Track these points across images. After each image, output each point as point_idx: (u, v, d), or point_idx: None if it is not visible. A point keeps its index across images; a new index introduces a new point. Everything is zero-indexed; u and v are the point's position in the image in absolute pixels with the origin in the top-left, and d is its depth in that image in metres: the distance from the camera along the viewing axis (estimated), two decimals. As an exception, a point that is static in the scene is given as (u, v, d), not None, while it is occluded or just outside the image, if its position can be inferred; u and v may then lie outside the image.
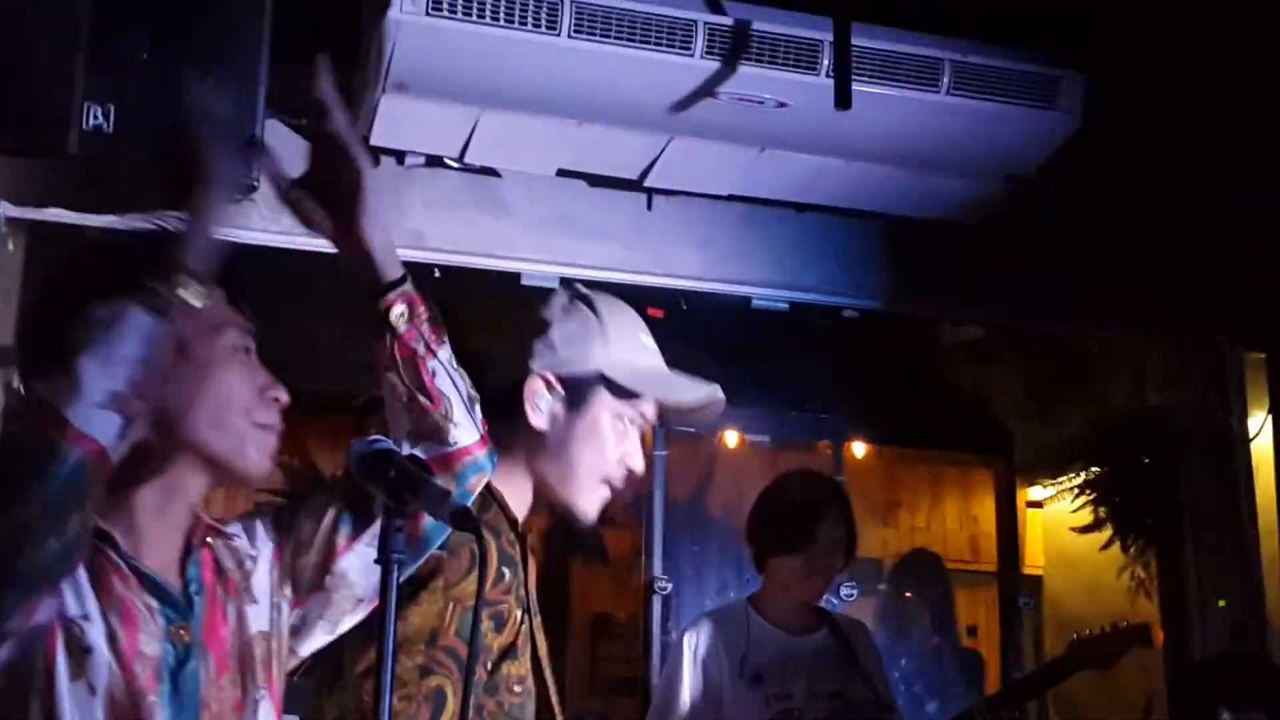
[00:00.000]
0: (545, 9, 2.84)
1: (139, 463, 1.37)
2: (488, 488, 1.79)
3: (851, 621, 3.30)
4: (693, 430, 4.31)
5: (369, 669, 1.53)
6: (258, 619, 1.48)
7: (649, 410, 1.86)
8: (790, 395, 4.34)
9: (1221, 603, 3.88)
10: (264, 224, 2.99)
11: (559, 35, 2.87)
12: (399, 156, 3.39)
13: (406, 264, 3.49)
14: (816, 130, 3.19)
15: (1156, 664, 4.26)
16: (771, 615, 3.09)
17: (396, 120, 3.11)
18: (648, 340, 1.91)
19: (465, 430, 1.55)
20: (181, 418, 1.40)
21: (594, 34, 2.90)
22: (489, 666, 1.67)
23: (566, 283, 2.01)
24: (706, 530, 4.40)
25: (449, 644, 1.63)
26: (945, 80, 3.11)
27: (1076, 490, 4.77)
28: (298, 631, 1.53)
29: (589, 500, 1.84)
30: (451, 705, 1.62)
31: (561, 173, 3.50)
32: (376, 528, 1.49)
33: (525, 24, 2.85)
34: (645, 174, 3.45)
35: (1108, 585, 4.59)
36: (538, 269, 3.54)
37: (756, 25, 2.98)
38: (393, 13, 2.77)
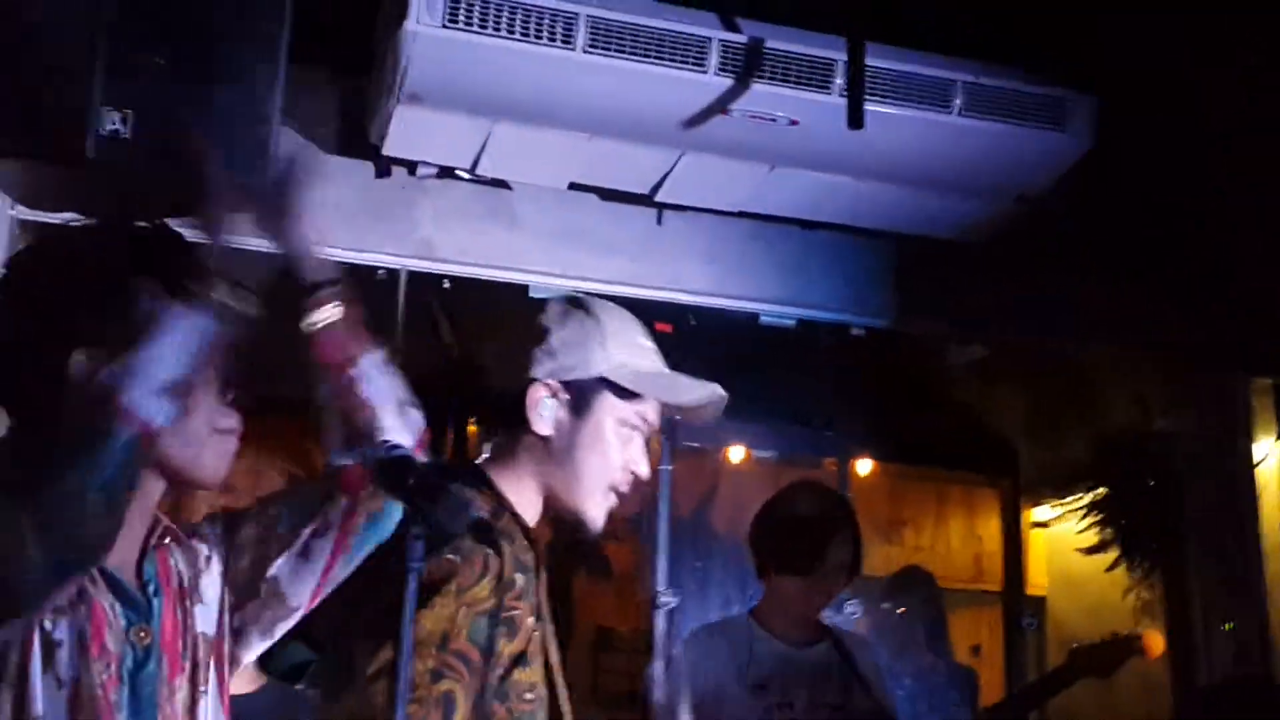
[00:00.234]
0: (561, 23, 2.86)
1: None
2: (498, 496, 1.80)
3: (854, 635, 3.30)
4: (698, 445, 4.31)
5: (379, 672, 1.54)
6: (205, 621, 1.50)
7: (651, 414, 1.86)
8: (796, 411, 4.34)
9: (1228, 625, 3.88)
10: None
11: (574, 50, 2.89)
12: (411, 167, 3.42)
13: (416, 274, 3.55)
14: (827, 149, 3.20)
15: (1159, 683, 4.25)
16: (773, 627, 3.09)
17: (410, 131, 3.13)
18: (646, 342, 1.91)
19: (396, 435, 1.54)
20: None
21: (609, 49, 2.92)
22: (500, 673, 1.67)
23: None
24: (711, 545, 4.40)
25: (460, 648, 1.63)
26: (957, 101, 3.13)
27: (1082, 511, 4.76)
28: (238, 636, 1.55)
29: (596, 507, 1.83)
30: (462, 709, 1.62)
31: (573, 186, 3.52)
32: (305, 535, 1.52)
33: (540, 38, 2.87)
34: (656, 189, 3.46)
35: (1112, 606, 4.58)
36: (547, 281, 3.56)
37: (770, 43, 3.00)
38: (409, 24, 2.79)
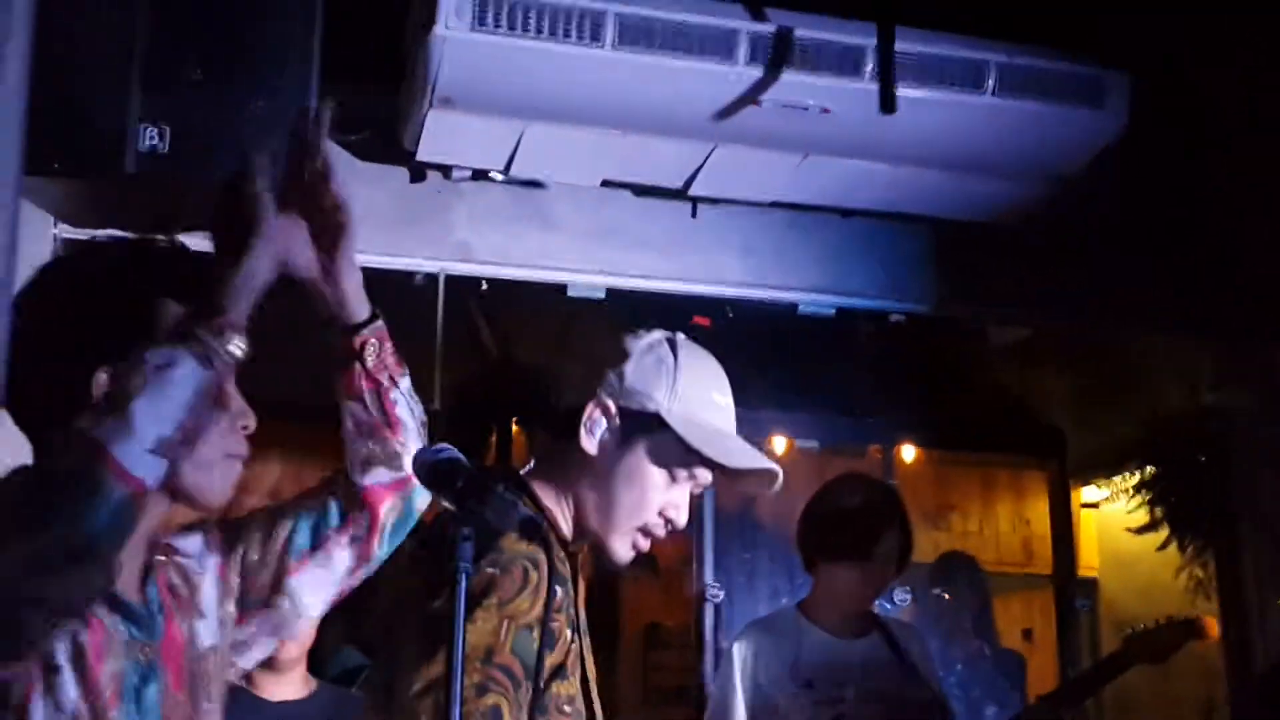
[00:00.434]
0: (589, 21, 2.87)
1: None
2: (539, 506, 1.79)
3: (902, 624, 3.29)
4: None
5: (426, 688, 1.53)
6: (207, 634, 1.50)
7: (702, 473, 1.82)
8: (838, 400, 4.32)
9: (1282, 602, 3.82)
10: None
11: (603, 47, 2.89)
12: (445, 171, 3.43)
13: (454, 277, 3.56)
14: (860, 135, 3.19)
15: (1215, 666, 4.20)
16: (822, 620, 3.07)
17: (443, 135, 3.14)
18: (721, 400, 1.86)
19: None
20: None
21: (637, 45, 2.92)
22: (541, 685, 1.67)
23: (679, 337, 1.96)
24: (757, 537, 4.39)
25: (504, 661, 1.61)
26: (990, 82, 3.11)
27: (1131, 491, 4.71)
28: (240, 647, 1.55)
29: (621, 542, 1.80)
30: None
31: (606, 183, 3.52)
32: (329, 549, 1.53)
33: (569, 37, 2.87)
34: (689, 183, 3.46)
35: (1165, 586, 4.53)
36: (583, 280, 3.56)
37: (799, 32, 2.99)
38: (438, 29, 2.80)
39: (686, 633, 4.77)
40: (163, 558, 1.51)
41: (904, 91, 2.97)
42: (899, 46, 2.96)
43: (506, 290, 3.61)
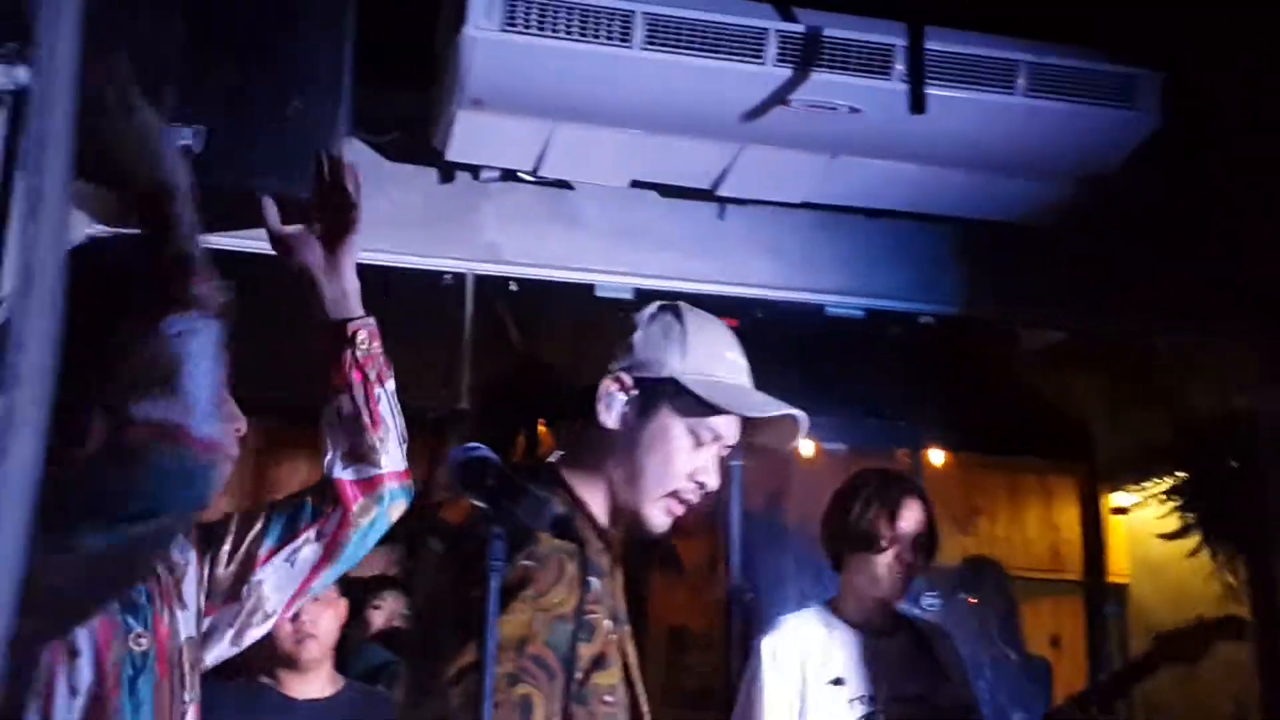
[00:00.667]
0: (618, 22, 2.88)
1: None
2: (574, 497, 1.80)
3: (931, 625, 3.26)
4: (768, 445, 4.28)
5: (459, 675, 1.54)
6: (187, 625, 1.54)
7: (725, 430, 1.82)
8: (866, 403, 4.31)
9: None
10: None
11: (631, 47, 2.90)
12: (474, 171, 3.44)
13: (482, 277, 3.57)
14: (889, 135, 3.18)
15: (1245, 668, 4.16)
16: (851, 617, 3.06)
17: (472, 136, 3.16)
18: (733, 357, 1.87)
19: (393, 459, 1.64)
20: None
21: (666, 45, 2.92)
22: (580, 677, 1.67)
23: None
24: (784, 539, 4.38)
25: (537, 653, 1.62)
26: (1020, 81, 3.09)
27: (1162, 496, 4.67)
28: (206, 639, 1.58)
29: (654, 509, 1.80)
30: (539, 714, 1.62)
31: (634, 184, 3.53)
32: (297, 543, 1.57)
33: (598, 37, 2.88)
34: (717, 183, 3.46)
35: (1196, 592, 4.48)
36: (611, 280, 3.57)
37: (828, 31, 2.99)
38: (468, 29, 2.82)
39: (712, 635, 4.76)
40: None
41: (933, 91, 2.96)
42: (928, 46, 2.95)
43: (535, 290, 3.62)
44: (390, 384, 1.63)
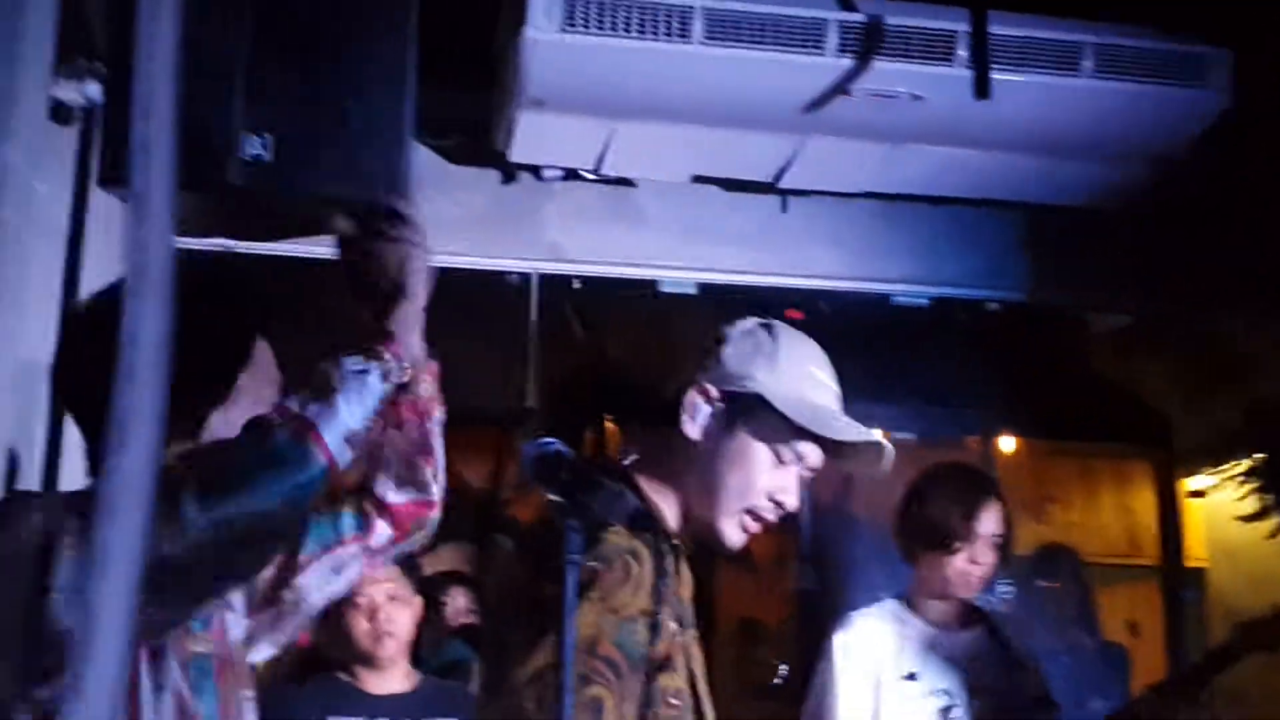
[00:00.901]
0: (677, 18, 2.87)
1: None
2: (644, 500, 1.80)
3: (1007, 616, 3.23)
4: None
5: (535, 676, 1.55)
6: (236, 626, 1.57)
7: (809, 451, 1.79)
8: (935, 391, 4.26)
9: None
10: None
11: (691, 43, 2.90)
12: (536, 172, 3.47)
13: (547, 276, 3.60)
14: (953, 122, 3.15)
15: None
16: (924, 612, 3.03)
17: (534, 136, 3.18)
18: (824, 378, 1.84)
19: (439, 487, 1.68)
20: None
21: (725, 39, 2.92)
22: (646, 678, 1.67)
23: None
24: (854, 531, 4.36)
25: (606, 653, 1.62)
26: (1086, 63, 3.05)
27: (1239, 478, 4.58)
28: (248, 641, 1.61)
29: (730, 525, 1.78)
30: (610, 715, 1.62)
31: (696, 179, 3.53)
32: (342, 554, 1.60)
33: (657, 34, 2.88)
34: (779, 176, 3.45)
35: (1275, 576, 4.39)
36: (675, 276, 3.57)
37: (889, 19, 2.97)
38: (528, 30, 2.83)
39: (782, 628, 4.75)
40: None
41: (998, 76, 2.92)
42: (991, 30, 2.92)
43: (599, 288, 3.63)
44: (440, 415, 1.68)
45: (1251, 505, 4.54)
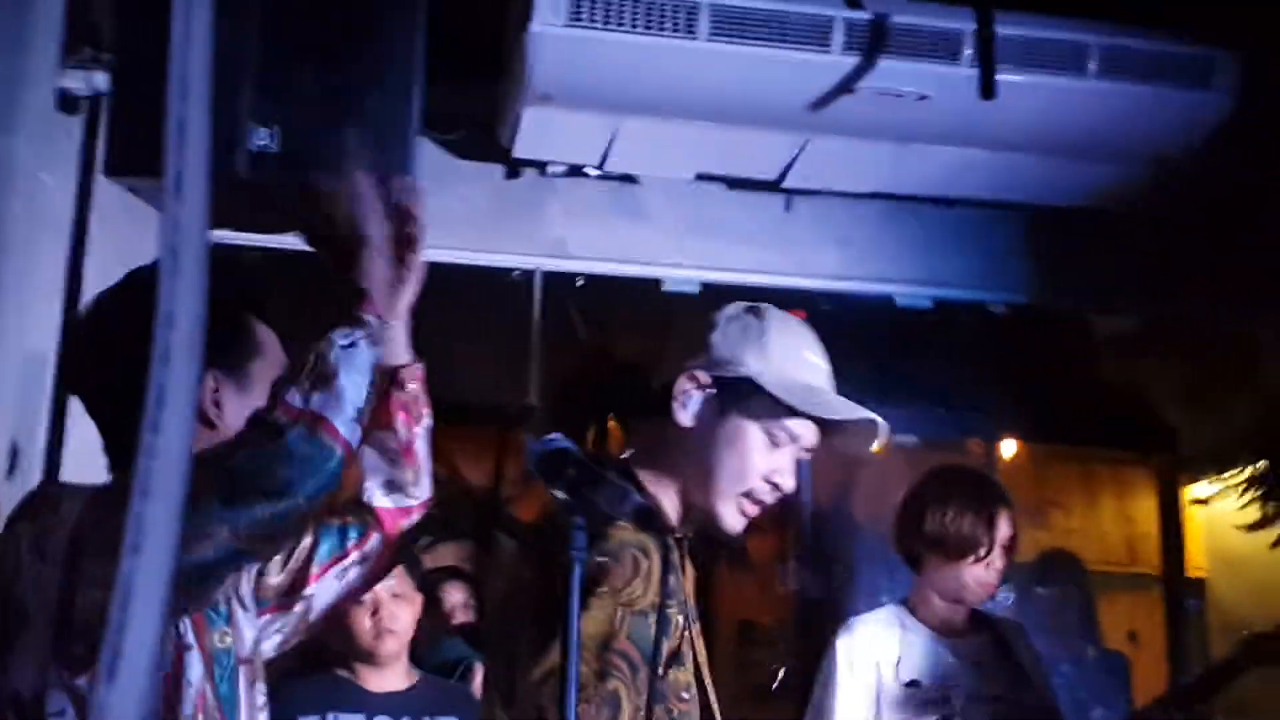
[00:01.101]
0: (683, 13, 2.87)
1: None
2: (645, 495, 1.80)
3: (1010, 623, 3.21)
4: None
5: (547, 674, 1.54)
6: (249, 626, 1.59)
7: (804, 433, 1.80)
8: (937, 394, 4.26)
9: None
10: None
11: (697, 39, 2.90)
12: (541, 167, 3.46)
13: (550, 273, 3.60)
14: (959, 122, 3.15)
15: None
16: (926, 618, 3.01)
17: (539, 131, 3.18)
18: (813, 359, 1.85)
19: (423, 489, 1.70)
20: None
21: (731, 36, 2.92)
22: (659, 673, 1.67)
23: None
24: (854, 533, 4.35)
25: (622, 648, 1.62)
26: (1092, 64, 3.05)
27: (1242, 486, 4.57)
28: (256, 643, 1.62)
29: (729, 509, 1.79)
30: (627, 708, 1.61)
31: (700, 177, 3.53)
32: (346, 563, 1.63)
33: (663, 29, 2.88)
34: (784, 175, 3.45)
35: (1278, 587, 4.38)
36: (678, 274, 3.57)
37: (895, 18, 2.97)
38: (535, 26, 2.83)
39: (781, 630, 4.74)
40: None
41: (1004, 76, 2.92)
42: (998, 30, 2.92)
43: (602, 285, 3.63)
44: (427, 420, 1.69)
45: (1254, 514, 4.53)
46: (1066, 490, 5.52)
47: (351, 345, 1.44)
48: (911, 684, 2.92)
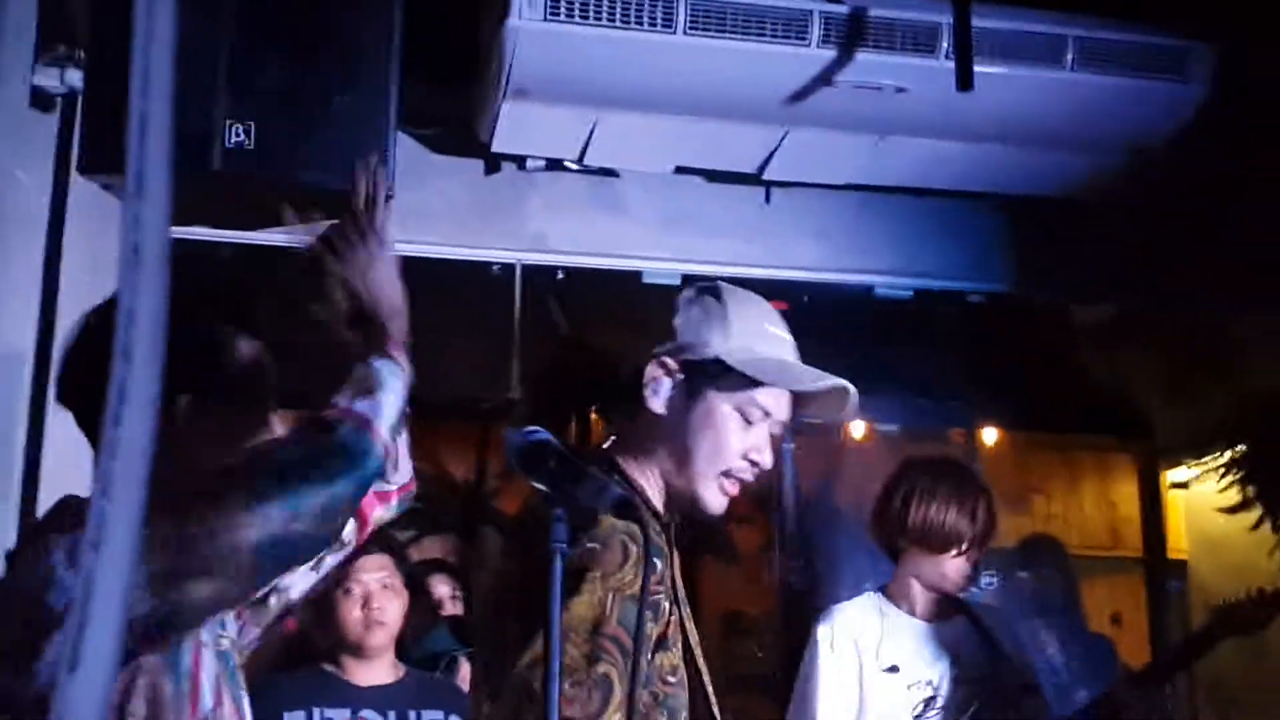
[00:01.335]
0: (660, 7, 2.88)
1: None
2: (629, 483, 1.81)
3: (988, 608, 3.24)
4: (819, 422, 4.28)
5: (535, 660, 1.56)
6: (232, 624, 1.63)
7: (775, 404, 1.81)
8: (918, 383, 4.27)
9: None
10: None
11: (675, 33, 2.90)
12: (520, 162, 3.46)
13: (530, 267, 3.60)
14: (936, 114, 3.16)
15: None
16: (906, 604, 3.03)
17: (517, 126, 3.17)
18: (776, 331, 1.87)
19: (402, 474, 1.77)
20: None
21: (709, 29, 2.92)
22: (646, 657, 1.68)
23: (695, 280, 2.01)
24: (838, 523, 4.37)
25: (612, 632, 1.62)
26: (1069, 56, 3.06)
27: (1221, 470, 4.61)
28: (238, 639, 1.67)
29: (709, 490, 1.80)
30: (618, 692, 1.63)
31: (679, 170, 3.53)
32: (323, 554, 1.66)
33: (641, 24, 2.88)
34: (763, 167, 3.45)
35: (1257, 568, 4.41)
36: (658, 267, 3.57)
37: (873, 11, 2.97)
38: (512, 20, 2.83)
39: (766, 620, 4.76)
40: None
41: (981, 68, 2.93)
42: (975, 23, 2.92)
43: (582, 279, 3.63)
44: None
45: (1233, 497, 4.57)
46: (1048, 476, 5.56)
47: (389, 373, 1.56)
48: (891, 669, 2.94)
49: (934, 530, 2.94)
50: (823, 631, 3.03)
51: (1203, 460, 4.78)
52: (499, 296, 3.55)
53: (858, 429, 4.38)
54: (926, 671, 2.94)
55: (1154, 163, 3.41)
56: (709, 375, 1.80)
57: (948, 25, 2.94)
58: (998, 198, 3.63)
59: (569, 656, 1.49)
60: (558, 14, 2.84)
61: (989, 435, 4.58)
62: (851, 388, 1.82)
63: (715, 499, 1.81)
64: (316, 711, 2.78)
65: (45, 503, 2.08)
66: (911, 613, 3.01)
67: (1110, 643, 4.61)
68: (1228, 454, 4.59)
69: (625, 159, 3.46)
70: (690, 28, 2.91)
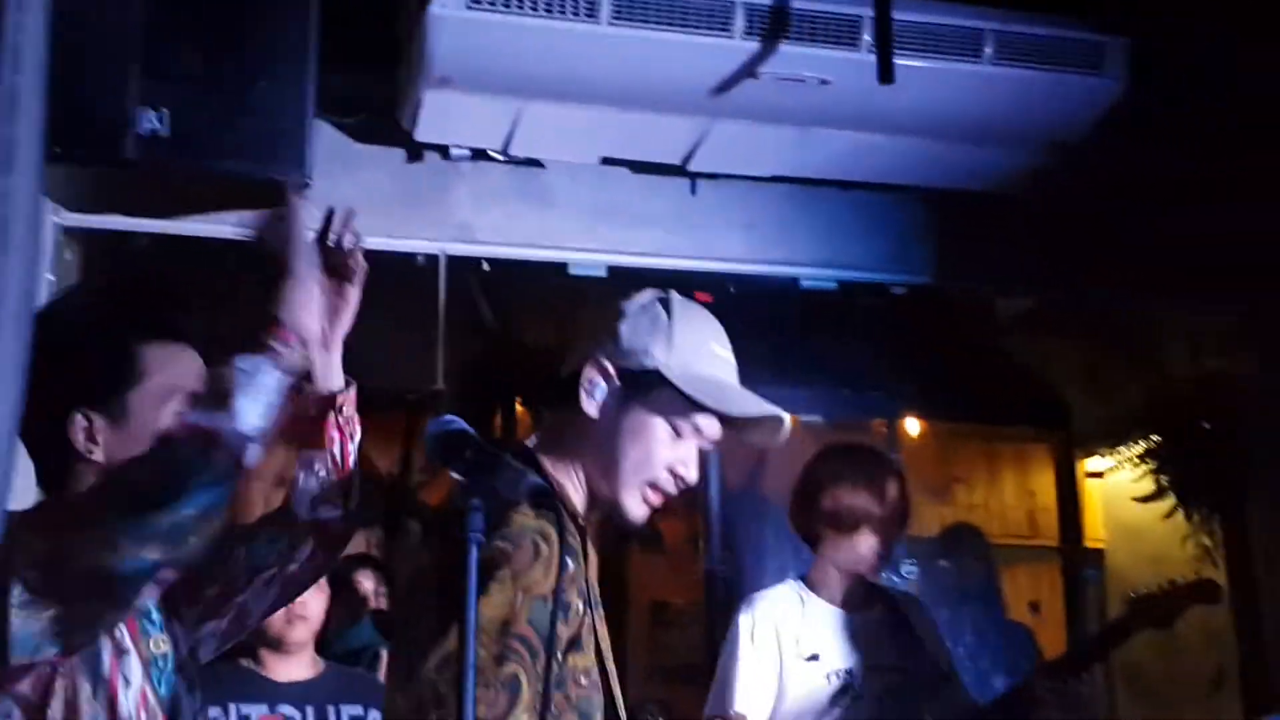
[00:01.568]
0: (584, -3, 2.86)
1: None
2: (549, 480, 1.80)
3: (906, 596, 3.28)
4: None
5: (445, 660, 1.54)
6: (184, 633, 1.63)
7: (707, 425, 1.80)
8: (842, 374, 4.31)
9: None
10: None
11: (598, 23, 2.89)
12: (444, 151, 3.43)
13: (455, 258, 3.57)
14: (859, 106, 3.18)
15: (1224, 633, 4.20)
16: (825, 592, 3.06)
17: (441, 115, 3.14)
18: (721, 352, 1.85)
19: (353, 499, 1.74)
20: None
21: (633, 20, 2.92)
22: (558, 658, 1.67)
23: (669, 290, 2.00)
24: (763, 513, 4.39)
25: (521, 632, 1.61)
26: (988, 50, 3.10)
27: (1137, 459, 4.71)
28: (193, 651, 1.66)
29: (632, 498, 1.79)
30: (526, 693, 1.62)
31: (605, 161, 3.52)
32: (284, 571, 1.68)
33: (564, 13, 2.87)
34: (688, 158, 3.46)
35: (1172, 556, 4.52)
36: (584, 258, 3.57)
37: (796, 3, 2.99)
38: (434, 8, 2.80)
39: (693, 610, 4.78)
40: None
41: (902, 61, 2.96)
42: (896, 16, 2.95)
43: (508, 270, 3.61)
44: (358, 436, 1.72)
45: (1148, 486, 4.68)
46: (969, 466, 5.64)
47: (252, 370, 1.47)
48: (812, 658, 2.97)
49: (844, 510, 2.98)
50: (744, 620, 3.05)
51: (1118, 450, 4.88)
52: (423, 287, 3.52)
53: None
54: (846, 659, 2.97)
55: (1073, 157, 3.47)
56: (647, 386, 1.79)
57: (869, 18, 2.97)
58: (920, 191, 3.68)
59: (477, 657, 1.48)
60: (480, 2, 2.82)
61: (911, 426, 4.63)
62: (786, 416, 1.82)
63: (637, 507, 1.80)
64: (233, 708, 2.73)
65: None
66: (831, 600, 3.04)
67: (1029, 631, 4.69)
68: (1142, 444, 4.70)
69: (550, 149, 3.44)
70: (614, 18, 2.90)
